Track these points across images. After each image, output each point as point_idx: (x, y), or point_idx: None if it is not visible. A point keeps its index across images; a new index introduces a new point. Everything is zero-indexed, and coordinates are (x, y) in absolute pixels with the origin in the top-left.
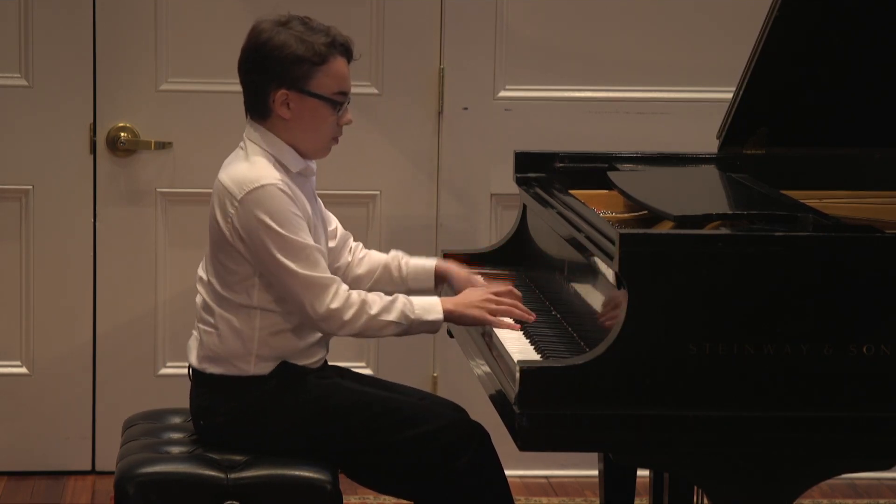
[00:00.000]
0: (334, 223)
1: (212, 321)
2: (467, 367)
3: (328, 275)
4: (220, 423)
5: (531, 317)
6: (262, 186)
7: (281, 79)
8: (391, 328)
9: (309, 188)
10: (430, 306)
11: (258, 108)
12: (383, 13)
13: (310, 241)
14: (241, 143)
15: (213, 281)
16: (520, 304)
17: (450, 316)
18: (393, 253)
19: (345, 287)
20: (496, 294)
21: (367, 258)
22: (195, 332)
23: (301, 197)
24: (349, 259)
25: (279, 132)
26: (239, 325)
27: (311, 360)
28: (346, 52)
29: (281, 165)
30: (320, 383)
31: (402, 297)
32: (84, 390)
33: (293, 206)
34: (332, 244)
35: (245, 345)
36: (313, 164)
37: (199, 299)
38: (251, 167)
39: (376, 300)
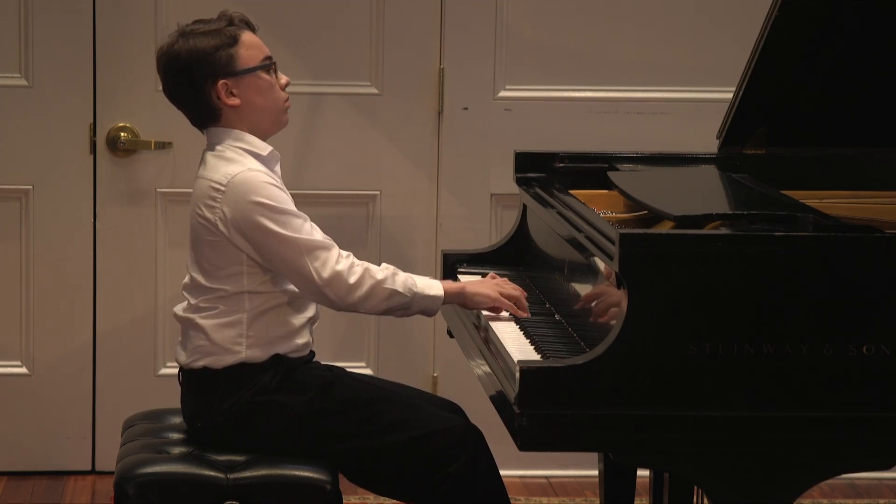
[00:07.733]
0: None
1: (200, 316)
2: (467, 367)
3: (328, 239)
4: (219, 423)
5: (526, 313)
6: (245, 171)
7: (213, 74)
8: (395, 299)
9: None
10: (431, 283)
11: (208, 114)
12: (383, 13)
13: (301, 213)
14: (208, 151)
15: (199, 278)
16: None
17: (459, 295)
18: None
19: (345, 252)
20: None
21: None
22: (181, 338)
23: (281, 182)
24: None
25: (237, 123)
26: (227, 309)
27: (299, 344)
28: (248, 24)
29: (252, 154)
30: (318, 378)
31: (401, 273)
32: (84, 390)
33: (278, 184)
34: None
35: (235, 327)
36: (276, 153)
37: (182, 307)
38: (229, 162)
39: (378, 269)
